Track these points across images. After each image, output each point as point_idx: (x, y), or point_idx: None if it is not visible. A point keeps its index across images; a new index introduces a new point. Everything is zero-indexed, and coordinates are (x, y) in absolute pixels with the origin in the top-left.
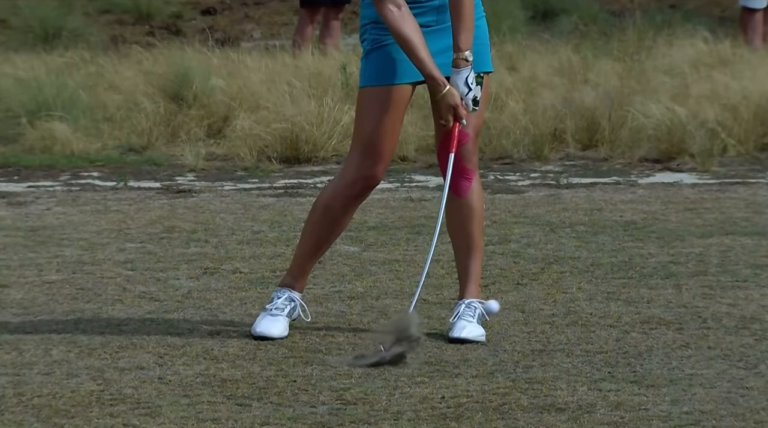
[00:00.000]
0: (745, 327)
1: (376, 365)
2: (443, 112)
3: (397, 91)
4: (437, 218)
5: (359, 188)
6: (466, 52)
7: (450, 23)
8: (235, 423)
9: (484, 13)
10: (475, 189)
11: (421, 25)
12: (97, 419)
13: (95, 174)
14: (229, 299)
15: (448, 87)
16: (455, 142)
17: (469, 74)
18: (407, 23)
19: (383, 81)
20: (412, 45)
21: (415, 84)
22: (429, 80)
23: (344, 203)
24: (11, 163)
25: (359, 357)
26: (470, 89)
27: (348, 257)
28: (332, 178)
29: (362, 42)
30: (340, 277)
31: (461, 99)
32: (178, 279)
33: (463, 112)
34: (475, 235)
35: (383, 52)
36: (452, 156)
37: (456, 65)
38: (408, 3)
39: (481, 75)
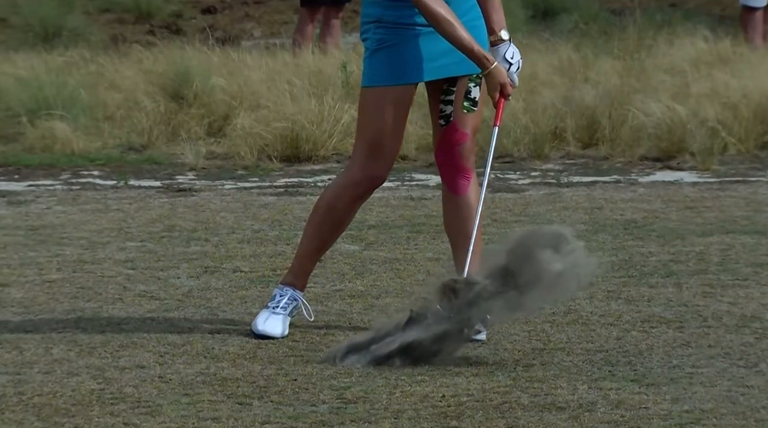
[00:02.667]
0: (745, 325)
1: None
2: (490, 89)
3: (403, 91)
4: (481, 188)
5: (364, 188)
6: (501, 32)
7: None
8: (236, 422)
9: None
10: (472, 187)
11: (424, 25)
12: (98, 418)
13: (95, 173)
14: (229, 298)
15: (495, 64)
16: (500, 115)
17: (507, 50)
18: (441, 4)
19: (389, 81)
20: (450, 25)
21: (417, 83)
22: (475, 58)
23: (348, 203)
24: (11, 162)
25: (354, 348)
26: (511, 64)
27: (348, 256)
28: (334, 177)
29: (364, 41)
30: (341, 276)
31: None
32: (178, 277)
33: (509, 88)
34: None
35: (388, 53)
36: (496, 129)
37: (494, 44)
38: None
39: (480, 76)
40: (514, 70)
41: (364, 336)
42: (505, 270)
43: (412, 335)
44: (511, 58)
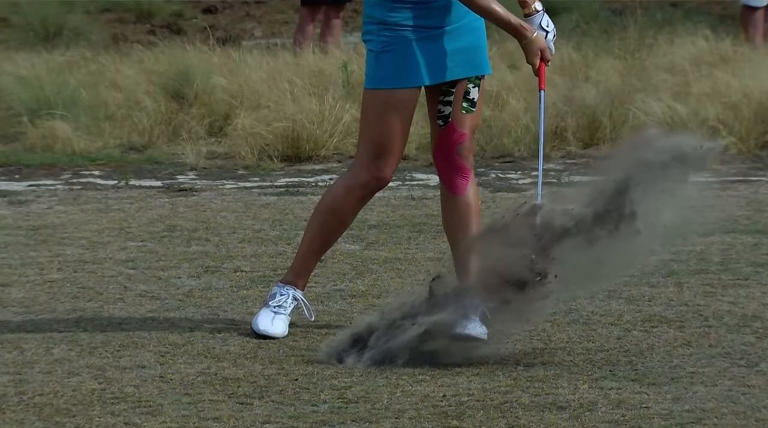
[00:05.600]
0: (746, 325)
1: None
2: (531, 56)
3: (409, 94)
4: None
5: (368, 190)
6: (534, 3)
7: (456, 24)
8: (237, 422)
9: None
10: (471, 187)
11: (428, 27)
12: (99, 418)
13: (96, 172)
14: (230, 297)
15: (535, 32)
16: (543, 79)
17: (542, 19)
18: None
19: (396, 84)
20: (486, 2)
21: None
22: (513, 30)
23: (352, 204)
24: (12, 161)
25: (354, 343)
26: (547, 32)
27: (349, 255)
28: (336, 178)
29: (367, 42)
30: (342, 276)
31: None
32: (179, 277)
33: (549, 53)
34: (473, 233)
35: (394, 55)
36: (543, 93)
37: (527, 15)
38: (414, 3)
39: (479, 77)
40: (551, 38)
41: (365, 327)
42: (622, 187)
43: (440, 316)
44: (547, 26)
